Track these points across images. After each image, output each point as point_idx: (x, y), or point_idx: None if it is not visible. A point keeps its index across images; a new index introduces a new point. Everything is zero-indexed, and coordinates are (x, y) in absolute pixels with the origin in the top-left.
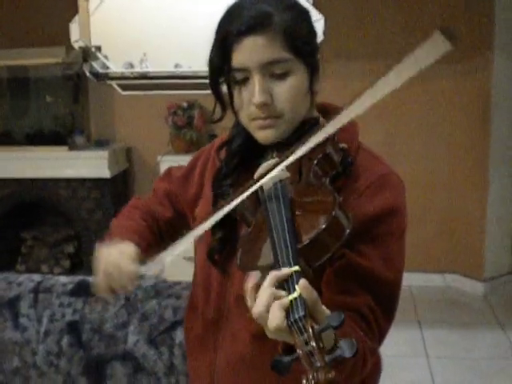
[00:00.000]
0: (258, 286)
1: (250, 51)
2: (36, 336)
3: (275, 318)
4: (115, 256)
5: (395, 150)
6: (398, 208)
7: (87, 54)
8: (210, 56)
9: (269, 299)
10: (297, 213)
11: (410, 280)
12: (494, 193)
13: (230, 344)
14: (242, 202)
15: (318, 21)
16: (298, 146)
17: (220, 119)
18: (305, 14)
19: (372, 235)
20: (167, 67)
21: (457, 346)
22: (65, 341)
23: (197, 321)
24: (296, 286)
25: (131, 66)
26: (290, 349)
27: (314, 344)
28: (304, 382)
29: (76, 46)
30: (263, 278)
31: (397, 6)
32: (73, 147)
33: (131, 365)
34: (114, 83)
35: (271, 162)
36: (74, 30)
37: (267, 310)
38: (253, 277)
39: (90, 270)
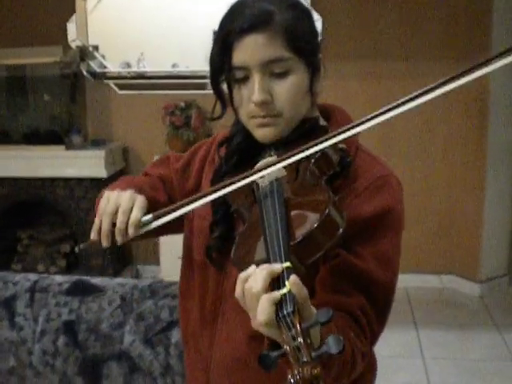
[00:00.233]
0: (246, 280)
1: (250, 49)
2: (32, 335)
3: (264, 312)
4: (125, 199)
5: (391, 151)
6: (395, 209)
7: (84, 53)
8: (211, 54)
9: (259, 291)
10: (291, 210)
11: (406, 281)
12: (491, 194)
13: (226, 343)
14: (239, 198)
15: (316, 21)
16: (301, 151)
17: (220, 117)
18: (306, 13)
19: (368, 236)
20: (164, 67)
21: (453, 347)
22: (61, 340)
23: (193, 318)
24: (286, 282)
25: (128, 65)
26: (275, 344)
27: (301, 340)
28: (289, 376)
29: (73, 45)
30: None
31: (395, 6)
32: (70, 146)
33: (127, 365)
34: (111, 83)
35: (269, 159)
36: (72, 29)
37: (256, 302)
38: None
39: (86, 270)
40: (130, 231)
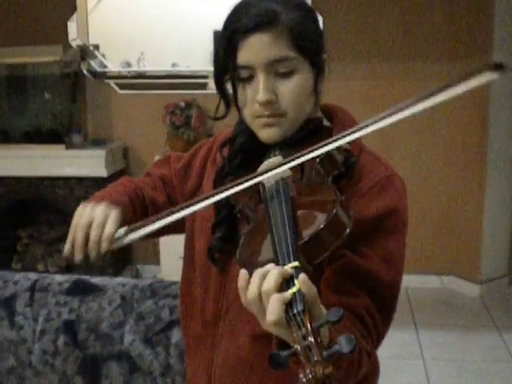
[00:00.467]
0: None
1: (255, 49)
2: (32, 335)
3: (274, 312)
4: (99, 213)
5: (392, 151)
6: (399, 210)
7: (85, 52)
8: (216, 53)
9: (270, 291)
10: (298, 210)
11: (407, 282)
12: (492, 195)
13: (229, 344)
14: (244, 199)
15: None
16: (306, 153)
17: (223, 117)
18: (311, 13)
19: (373, 237)
20: (164, 66)
21: (453, 348)
22: (61, 340)
23: (195, 319)
24: (295, 281)
25: (128, 65)
26: (284, 344)
27: (311, 339)
28: (301, 376)
29: (74, 44)
30: None
31: (396, 6)
32: (70, 146)
33: (127, 364)
34: (111, 82)
35: (274, 159)
36: (72, 28)
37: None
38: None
39: (85, 269)
40: (104, 245)
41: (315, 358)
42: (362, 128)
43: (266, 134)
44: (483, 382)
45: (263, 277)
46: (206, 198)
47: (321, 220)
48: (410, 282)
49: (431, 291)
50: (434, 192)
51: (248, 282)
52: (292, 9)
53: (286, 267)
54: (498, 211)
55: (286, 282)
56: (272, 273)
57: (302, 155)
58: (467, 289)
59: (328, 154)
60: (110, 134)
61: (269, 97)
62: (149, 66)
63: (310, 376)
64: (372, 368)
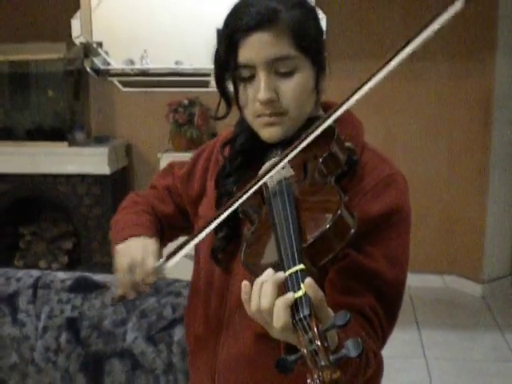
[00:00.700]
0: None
1: (256, 47)
2: (34, 332)
3: (281, 317)
4: (135, 251)
5: (395, 151)
6: (402, 208)
7: (88, 49)
8: (216, 52)
9: (273, 296)
10: (302, 211)
11: (409, 281)
12: (494, 194)
13: (232, 343)
14: (247, 199)
15: (321, 19)
16: (299, 142)
17: (224, 116)
18: (312, 11)
19: (377, 235)
20: (168, 64)
21: (455, 347)
22: (63, 337)
23: (198, 319)
24: (301, 285)
25: (132, 62)
26: (291, 348)
27: (318, 343)
28: (309, 381)
29: (77, 41)
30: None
31: (399, 5)
32: (73, 143)
33: (129, 362)
34: (114, 80)
35: (274, 160)
36: (76, 25)
37: (271, 308)
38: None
39: (87, 267)
40: (150, 279)
41: (322, 363)
42: (344, 102)
43: (267, 133)
44: (485, 381)
45: (260, 291)
46: (226, 209)
47: (325, 221)
48: (412, 281)
49: (433, 291)
50: (436, 191)
51: (250, 294)
52: (293, 7)
53: (286, 273)
54: (500, 211)
55: (291, 286)
56: (267, 286)
57: (296, 145)
58: (469, 288)
59: (331, 153)
60: (113, 132)
61: (270, 95)
62: (152, 64)
63: (318, 381)
64: (376, 367)
